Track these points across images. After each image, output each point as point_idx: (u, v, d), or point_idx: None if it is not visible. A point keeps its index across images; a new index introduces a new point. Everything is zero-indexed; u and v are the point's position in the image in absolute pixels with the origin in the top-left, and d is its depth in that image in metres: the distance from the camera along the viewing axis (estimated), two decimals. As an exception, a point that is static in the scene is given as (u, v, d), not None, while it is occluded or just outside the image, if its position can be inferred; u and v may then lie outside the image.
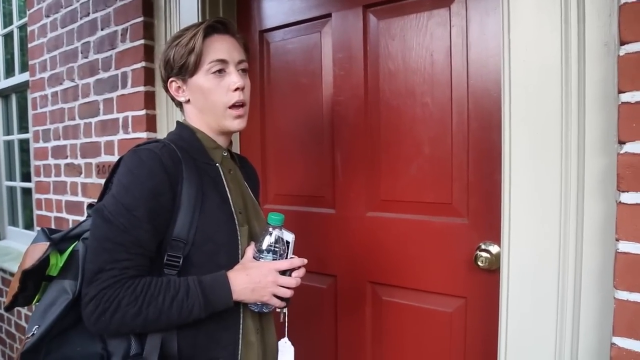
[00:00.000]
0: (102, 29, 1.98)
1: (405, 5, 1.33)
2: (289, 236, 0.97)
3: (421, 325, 1.34)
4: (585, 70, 0.90)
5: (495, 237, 1.14)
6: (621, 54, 0.80)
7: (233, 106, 0.97)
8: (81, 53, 2.12)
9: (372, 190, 1.42)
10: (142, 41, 1.79)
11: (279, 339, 1.08)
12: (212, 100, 0.96)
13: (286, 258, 0.96)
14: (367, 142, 1.42)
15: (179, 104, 1.04)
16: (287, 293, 0.94)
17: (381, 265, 1.41)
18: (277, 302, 0.95)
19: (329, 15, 1.49)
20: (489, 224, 1.18)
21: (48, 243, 0.86)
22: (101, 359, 0.87)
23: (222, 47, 0.97)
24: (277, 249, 0.95)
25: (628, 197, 0.80)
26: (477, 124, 1.22)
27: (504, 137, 1.01)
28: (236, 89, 0.96)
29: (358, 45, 1.42)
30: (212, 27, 0.97)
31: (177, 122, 1.05)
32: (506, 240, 1.02)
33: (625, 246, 0.80)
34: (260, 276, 0.91)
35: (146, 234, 0.86)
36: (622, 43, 0.80)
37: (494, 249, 1.17)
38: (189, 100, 1.00)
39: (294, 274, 0.96)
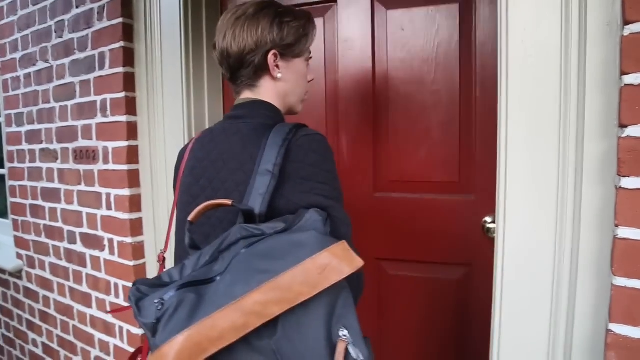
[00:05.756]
0: (77, 7, 1.88)
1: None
2: None
3: (427, 294, 1.37)
4: (586, 51, 0.88)
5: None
6: (625, 34, 0.78)
7: None
8: (55, 32, 2.01)
9: (380, 172, 1.42)
10: (120, 20, 1.70)
11: None
12: (302, 84, 1.02)
13: None
14: (374, 127, 1.42)
15: (255, 77, 0.94)
16: None
17: (388, 242, 1.42)
18: None
19: (333, 0, 1.44)
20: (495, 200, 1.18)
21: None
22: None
23: None
24: None
25: (629, 182, 0.78)
26: (484, 108, 1.23)
27: (500, 119, 0.98)
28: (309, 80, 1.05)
29: (364, 29, 1.39)
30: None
31: (260, 101, 0.93)
32: (501, 228, 1.00)
33: (624, 232, 0.79)
34: None
35: None
36: (627, 23, 0.78)
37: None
38: (279, 78, 0.94)
39: None
